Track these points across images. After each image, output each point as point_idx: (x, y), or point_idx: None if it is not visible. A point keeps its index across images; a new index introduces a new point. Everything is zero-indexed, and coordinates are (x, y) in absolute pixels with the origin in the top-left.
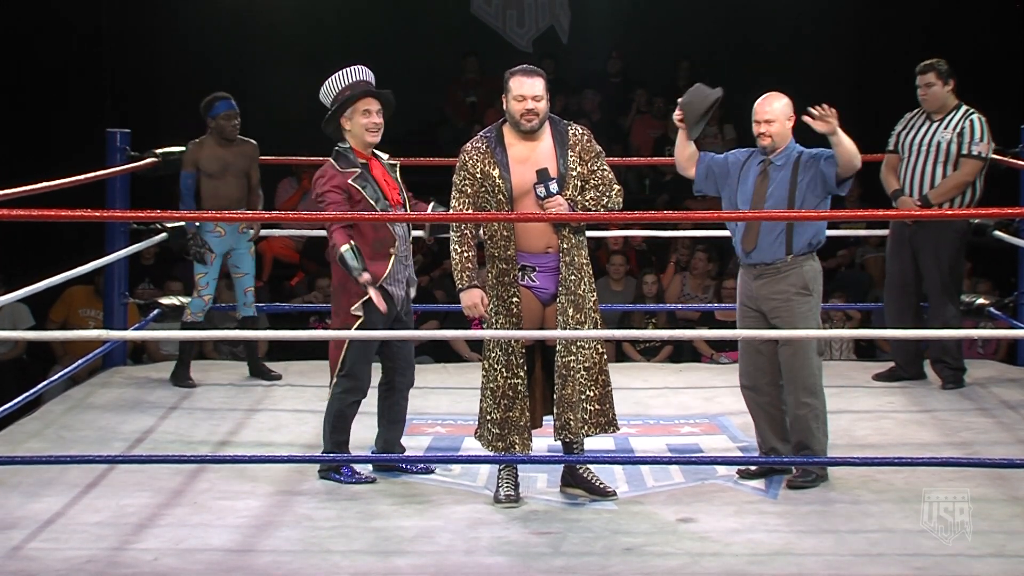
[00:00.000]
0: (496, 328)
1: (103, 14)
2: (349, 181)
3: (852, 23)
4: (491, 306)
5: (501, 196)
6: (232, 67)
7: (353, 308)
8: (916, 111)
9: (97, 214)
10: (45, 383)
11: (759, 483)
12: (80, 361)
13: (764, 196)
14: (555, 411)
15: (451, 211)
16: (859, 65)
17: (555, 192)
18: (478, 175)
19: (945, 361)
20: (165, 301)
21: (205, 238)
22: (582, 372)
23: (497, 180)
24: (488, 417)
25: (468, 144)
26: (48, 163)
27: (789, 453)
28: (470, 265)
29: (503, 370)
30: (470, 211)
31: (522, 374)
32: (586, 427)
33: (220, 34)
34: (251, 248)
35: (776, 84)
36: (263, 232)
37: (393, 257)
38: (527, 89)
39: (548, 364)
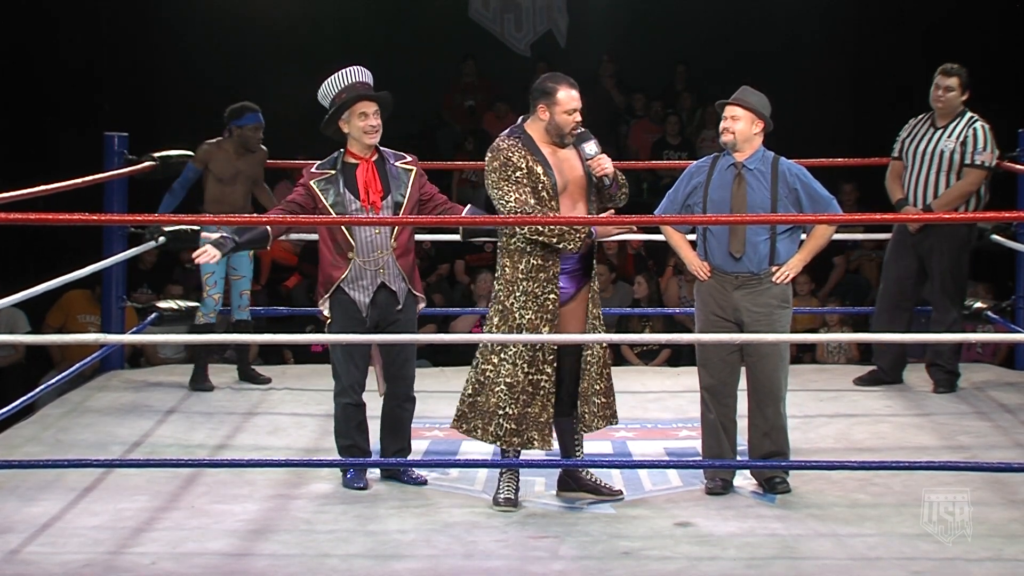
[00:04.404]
0: (525, 323)
1: (101, 17)
2: (311, 183)
3: (850, 29)
4: (518, 300)
5: (545, 193)
6: (230, 71)
7: (320, 304)
8: (922, 117)
9: (95, 218)
10: (41, 387)
11: (756, 487)
12: (77, 365)
13: (744, 201)
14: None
15: (509, 206)
16: (857, 71)
17: (601, 151)
18: (524, 169)
19: (939, 364)
20: (163, 305)
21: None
22: (594, 367)
23: (542, 176)
24: (501, 412)
25: (501, 142)
26: (46, 167)
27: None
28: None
29: (525, 366)
30: (532, 200)
31: (549, 371)
32: (595, 420)
33: (218, 38)
34: (250, 252)
35: (774, 90)
36: None
37: (352, 262)
38: (577, 103)
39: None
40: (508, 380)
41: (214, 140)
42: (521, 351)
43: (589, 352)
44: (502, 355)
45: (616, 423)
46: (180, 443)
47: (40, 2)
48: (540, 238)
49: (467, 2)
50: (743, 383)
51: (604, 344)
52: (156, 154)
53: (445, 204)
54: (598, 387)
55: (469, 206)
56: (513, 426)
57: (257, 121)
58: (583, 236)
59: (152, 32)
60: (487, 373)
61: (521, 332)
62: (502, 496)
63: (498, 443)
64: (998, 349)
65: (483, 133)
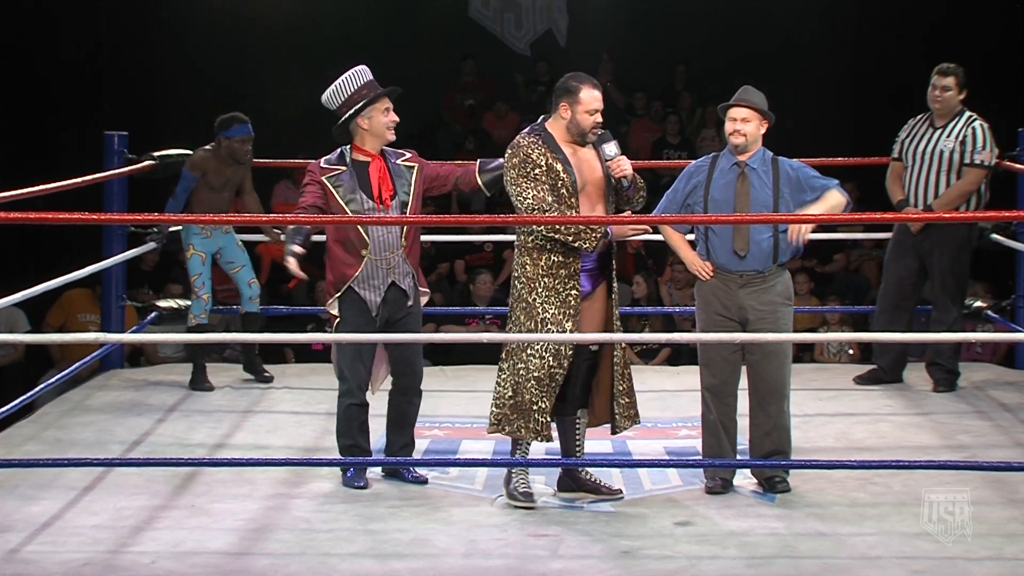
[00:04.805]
0: (548, 318)
1: (101, 18)
2: (324, 178)
3: (850, 29)
4: (540, 296)
5: (565, 190)
6: (229, 70)
7: (328, 304)
8: (920, 117)
9: (95, 217)
10: (40, 386)
11: (756, 486)
12: (77, 364)
13: (748, 199)
14: (593, 405)
15: (527, 203)
16: (857, 71)
17: (621, 152)
18: (544, 167)
19: (939, 364)
20: (163, 304)
21: (191, 240)
22: (618, 367)
23: (561, 174)
24: (536, 407)
25: (521, 139)
26: (46, 167)
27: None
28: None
29: (550, 359)
30: (550, 197)
31: (566, 364)
32: (624, 421)
33: (218, 38)
34: (238, 241)
35: (774, 90)
36: (260, 236)
37: (365, 260)
38: (599, 103)
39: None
40: (536, 374)
41: (209, 148)
42: (548, 344)
43: (614, 353)
44: (528, 350)
45: (639, 423)
46: (180, 442)
47: (40, 2)
48: (557, 236)
49: (467, 2)
50: (743, 382)
51: (622, 344)
52: (156, 153)
53: (457, 171)
54: (621, 387)
55: (480, 160)
56: (546, 419)
57: (245, 133)
58: (599, 236)
59: (152, 32)
60: (520, 371)
61: (545, 326)
62: (520, 491)
63: (537, 439)
64: (998, 348)
65: (483, 133)
